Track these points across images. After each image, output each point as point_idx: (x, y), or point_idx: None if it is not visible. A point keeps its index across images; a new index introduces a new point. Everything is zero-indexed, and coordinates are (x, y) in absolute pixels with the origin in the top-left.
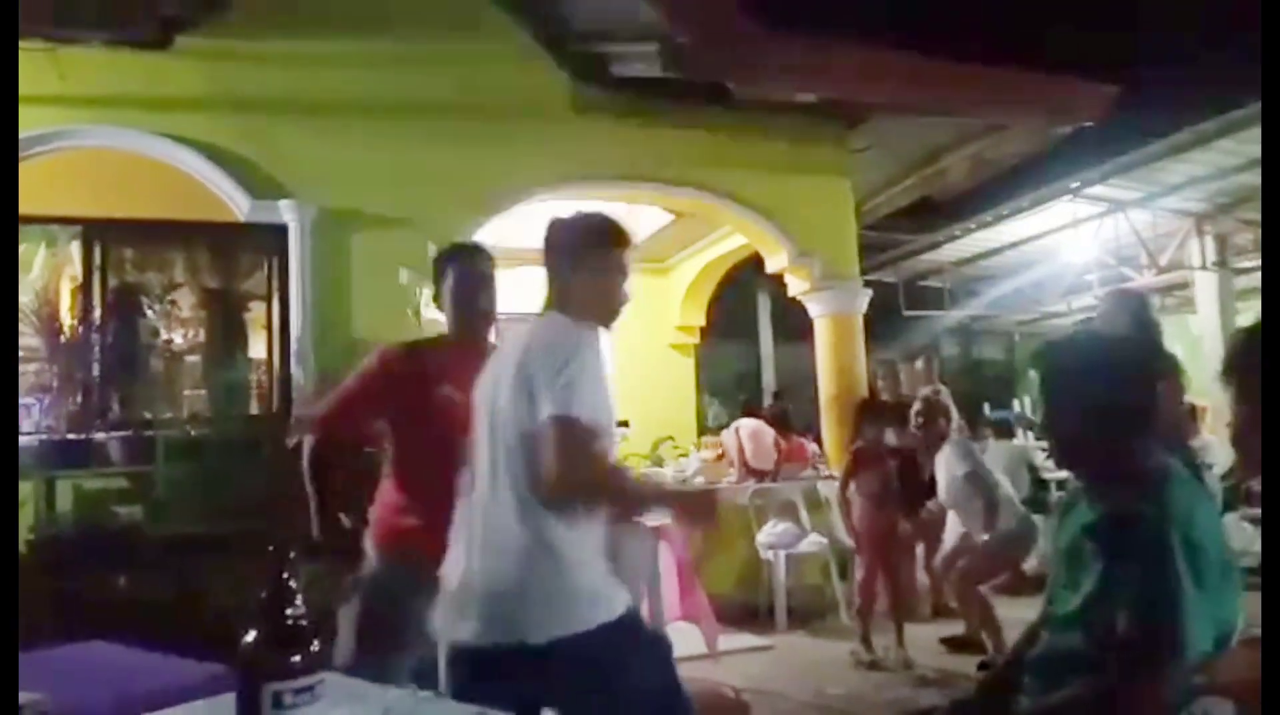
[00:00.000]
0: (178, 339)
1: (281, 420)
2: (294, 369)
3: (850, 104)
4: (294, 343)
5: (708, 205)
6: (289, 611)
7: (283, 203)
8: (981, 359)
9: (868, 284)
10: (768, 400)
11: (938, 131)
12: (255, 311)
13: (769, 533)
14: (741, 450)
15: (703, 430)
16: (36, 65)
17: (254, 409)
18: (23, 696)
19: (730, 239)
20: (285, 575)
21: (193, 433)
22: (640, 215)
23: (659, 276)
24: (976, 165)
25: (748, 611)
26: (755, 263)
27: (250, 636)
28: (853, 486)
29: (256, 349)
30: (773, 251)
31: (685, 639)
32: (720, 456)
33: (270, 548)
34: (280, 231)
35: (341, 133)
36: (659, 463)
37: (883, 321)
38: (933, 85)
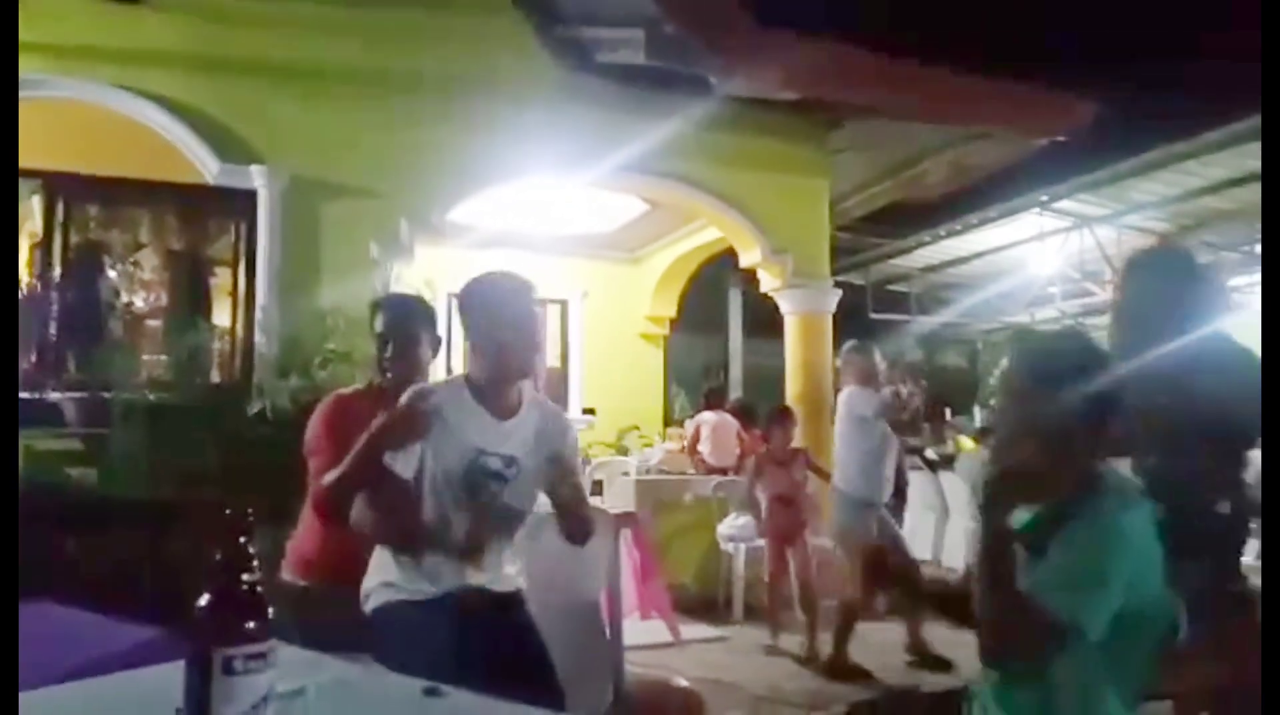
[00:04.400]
0: (139, 301)
1: (243, 388)
2: (258, 337)
3: (831, 104)
4: (259, 311)
5: (684, 197)
6: (244, 577)
7: (254, 167)
8: (945, 366)
9: (838, 285)
10: (735, 393)
11: (916, 136)
12: (221, 277)
13: (730, 525)
14: (697, 445)
15: (669, 421)
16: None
17: (215, 376)
18: None
19: (705, 232)
20: (242, 540)
21: (151, 397)
22: (615, 203)
23: (631, 266)
24: (952, 172)
25: (706, 603)
26: (728, 257)
27: (203, 600)
28: (759, 487)
29: (220, 316)
30: (746, 246)
31: (643, 628)
32: (684, 448)
33: (227, 511)
34: (249, 197)
35: (318, 100)
36: (624, 452)
37: (850, 323)
38: (915, 90)
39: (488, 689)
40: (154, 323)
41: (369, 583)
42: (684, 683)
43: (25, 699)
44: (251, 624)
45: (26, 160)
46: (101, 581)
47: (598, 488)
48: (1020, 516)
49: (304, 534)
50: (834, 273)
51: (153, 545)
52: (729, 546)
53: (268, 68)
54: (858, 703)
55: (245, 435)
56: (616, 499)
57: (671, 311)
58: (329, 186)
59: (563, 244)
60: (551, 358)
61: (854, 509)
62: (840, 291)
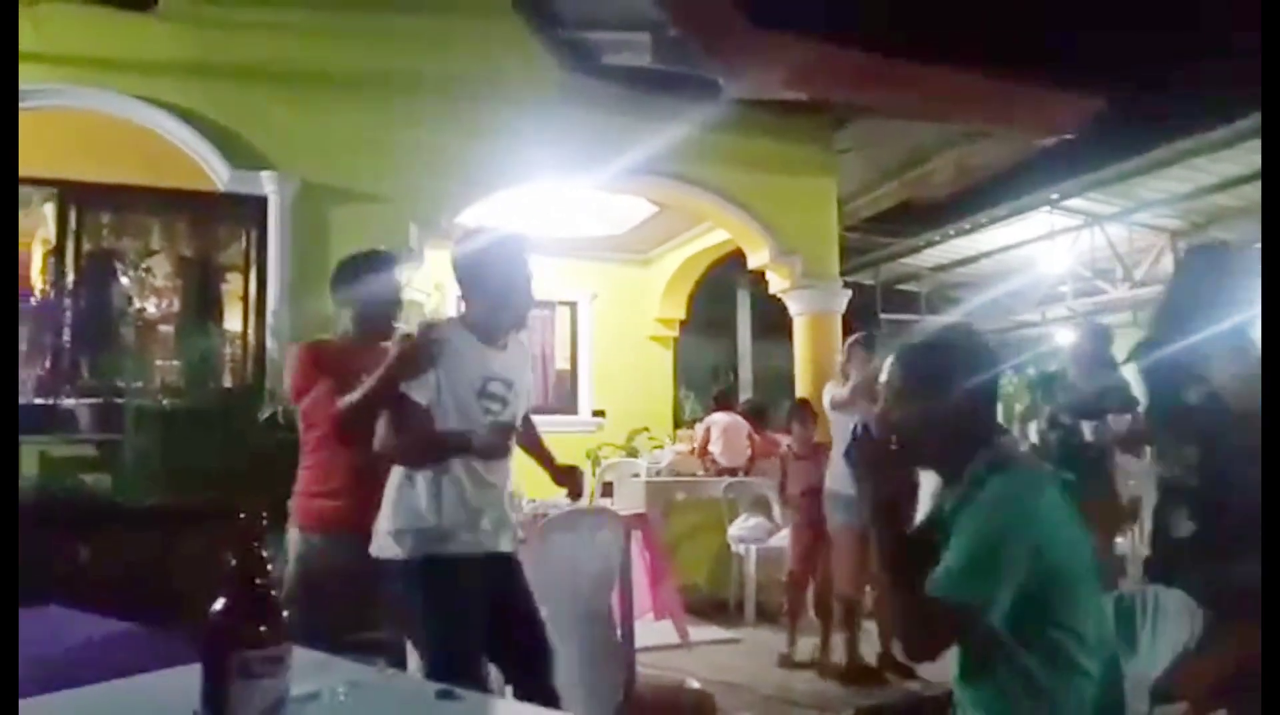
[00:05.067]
0: (151, 307)
1: (255, 392)
2: (269, 342)
3: (837, 104)
4: (270, 316)
5: (692, 198)
6: (258, 581)
7: (264, 174)
8: None
9: (847, 285)
10: (745, 394)
11: (922, 135)
12: (232, 283)
13: (741, 526)
14: (707, 446)
15: (679, 422)
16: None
17: (227, 381)
18: None
19: (713, 233)
20: (255, 544)
21: (164, 403)
22: (624, 206)
23: (641, 267)
24: (959, 171)
25: (717, 605)
26: (737, 258)
27: (219, 605)
28: (788, 483)
29: (232, 321)
30: (755, 247)
31: (654, 629)
32: (694, 450)
33: (241, 516)
34: (260, 203)
35: (325, 106)
36: (634, 453)
37: (860, 323)
38: (915, 89)
39: (497, 643)
40: (166, 328)
41: (391, 525)
42: (695, 684)
43: (40, 703)
44: (266, 627)
45: (41, 169)
46: (115, 586)
47: (608, 490)
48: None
49: (312, 477)
50: (843, 273)
51: (165, 550)
52: (740, 548)
53: (274, 74)
54: (865, 707)
55: (257, 439)
56: (627, 500)
57: (681, 313)
58: (337, 192)
59: (571, 246)
60: (560, 359)
61: (841, 507)
62: (849, 292)
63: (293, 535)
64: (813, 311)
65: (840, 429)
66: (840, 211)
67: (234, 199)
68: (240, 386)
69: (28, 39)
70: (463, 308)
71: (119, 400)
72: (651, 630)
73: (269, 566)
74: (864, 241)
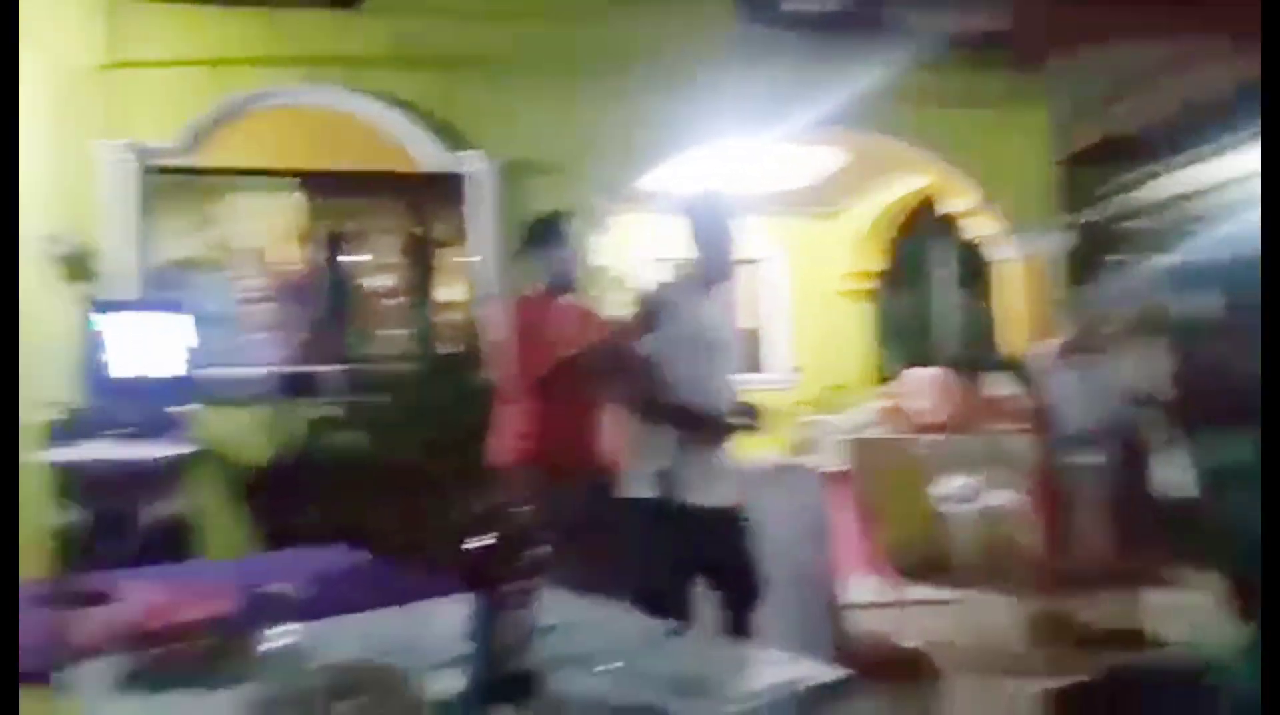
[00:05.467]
0: (381, 282)
1: (473, 356)
2: (480, 311)
3: (1042, 35)
4: (480, 286)
5: (886, 146)
6: (511, 521)
7: (467, 154)
8: (1192, 315)
9: (1059, 228)
10: (947, 347)
11: (1138, 63)
12: (448, 256)
13: (947, 485)
14: (908, 402)
15: (877, 378)
16: (253, 27)
17: (448, 348)
18: (275, 587)
19: (909, 181)
20: (506, 489)
21: (398, 368)
22: (812, 157)
23: (829, 221)
24: (1186, 96)
25: (925, 564)
26: (935, 206)
27: (479, 543)
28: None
29: (450, 292)
30: (954, 193)
31: (863, 587)
32: (894, 406)
33: (486, 465)
34: (466, 180)
35: (514, 85)
36: (833, 411)
37: (1075, 266)
38: (1141, 5)
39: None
40: (395, 301)
41: (633, 469)
42: (910, 643)
43: (332, 625)
44: (521, 564)
45: (285, 162)
46: (372, 532)
47: (810, 447)
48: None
49: (527, 423)
50: (1055, 214)
51: (407, 498)
52: (949, 507)
53: (468, 59)
54: (1095, 673)
55: (477, 398)
56: (828, 458)
57: (877, 266)
58: (530, 165)
59: (758, 202)
60: (747, 318)
61: (1078, 470)
62: (1063, 234)
63: (512, 477)
64: (1021, 257)
65: (1065, 385)
66: (1048, 149)
67: (443, 179)
68: (459, 351)
69: (266, 45)
70: (680, 264)
71: (359, 367)
72: (861, 587)
73: (524, 508)
74: (1079, 177)
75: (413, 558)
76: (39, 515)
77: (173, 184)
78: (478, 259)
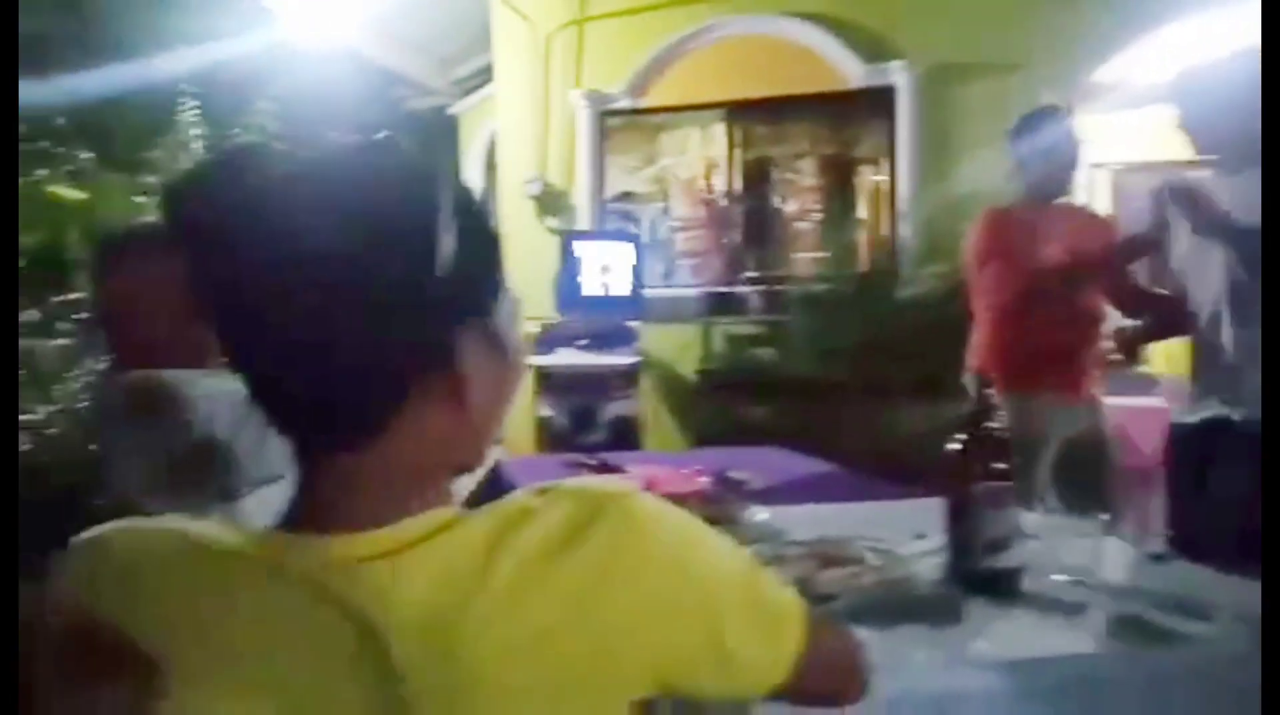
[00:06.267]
0: (800, 205)
1: (891, 275)
2: (901, 229)
3: None
4: (901, 203)
5: None
6: (987, 424)
7: (892, 64)
8: None
9: None
10: None
11: None
12: (868, 175)
13: None
14: None
15: None
16: None
17: (866, 267)
18: (735, 473)
19: None
20: (986, 393)
21: (816, 288)
22: None
23: None
24: None
25: None
26: None
27: (956, 444)
28: None
29: (866, 211)
30: None
31: None
32: None
33: (968, 377)
34: (890, 94)
35: None
36: None
37: None
38: None
39: None
40: (810, 223)
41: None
42: None
43: (812, 511)
44: (999, 464)
45: (716, 95)
46: (786, 437)
47: None
48: None
49: (990, 339)
50: None
51: (823, 410)
52: None
53: None
54: None
55: (897, 318)
56: None
57: None
58: (962, 68)
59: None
60: None
61: None
62: None
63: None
64: None
65: None
66: None
67: (866, 94)
68: (877, 272)
69: None
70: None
71: (778, 287)
72: None
73: (998, 412)
74: None
75: (855, 461)
76: (529, 409)
77: (622, 125)
78: (899, 175)
